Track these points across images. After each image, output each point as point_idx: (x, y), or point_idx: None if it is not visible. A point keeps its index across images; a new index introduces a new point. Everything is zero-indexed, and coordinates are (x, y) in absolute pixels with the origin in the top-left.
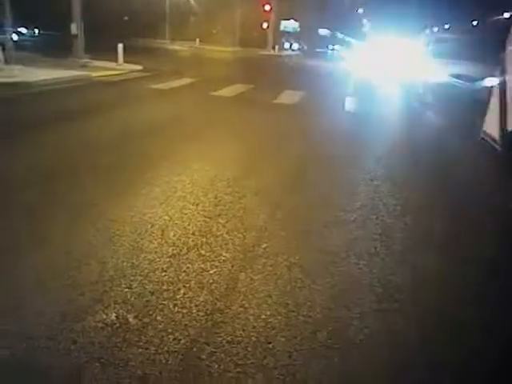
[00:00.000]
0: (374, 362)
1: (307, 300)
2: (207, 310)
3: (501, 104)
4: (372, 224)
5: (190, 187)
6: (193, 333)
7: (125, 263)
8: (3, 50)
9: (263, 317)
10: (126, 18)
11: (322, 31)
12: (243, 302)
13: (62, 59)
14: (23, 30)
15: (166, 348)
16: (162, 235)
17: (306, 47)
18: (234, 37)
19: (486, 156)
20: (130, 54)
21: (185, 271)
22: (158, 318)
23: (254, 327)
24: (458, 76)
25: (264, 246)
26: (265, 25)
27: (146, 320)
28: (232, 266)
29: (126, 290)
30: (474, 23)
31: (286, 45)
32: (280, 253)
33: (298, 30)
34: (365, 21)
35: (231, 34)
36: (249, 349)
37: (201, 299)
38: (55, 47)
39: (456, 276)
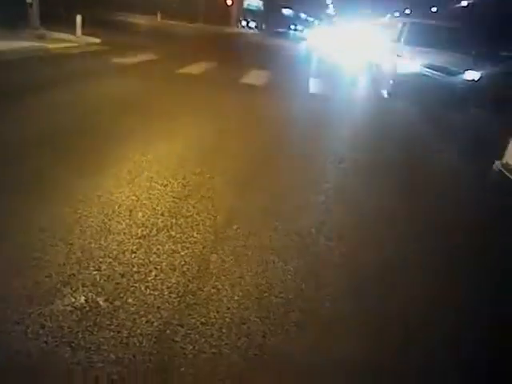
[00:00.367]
0: (346, 340)
1: (279, 281)
2: (179, 291)
3: None
4: (341, 206)
5: (157, 167)
6: (166, 315)
7: (93, 245)
8: None
9: (236, 298)
10: None
11: (286, 11)
12: (216, 284)
13: (15, 29)
14: None
15: (138, 331)
16: (130, 216)
17: (264, 26)
18: (198, 12)
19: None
20: (89, 26)
21: (155, 253)
22: (130, 300)
23: (228, 308)
24: (432, 66)
25: (235, 227)
26: (229, 1)
27: (117, 303)
28: (203, 248)
29: (95, 272)
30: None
31: (243, 23)
32: (251, 234)
33: (262, 8)
34: (329, 1)
35: (194, 9)
36: (223, 330)
37: (173, 281)
38: (7, 16)
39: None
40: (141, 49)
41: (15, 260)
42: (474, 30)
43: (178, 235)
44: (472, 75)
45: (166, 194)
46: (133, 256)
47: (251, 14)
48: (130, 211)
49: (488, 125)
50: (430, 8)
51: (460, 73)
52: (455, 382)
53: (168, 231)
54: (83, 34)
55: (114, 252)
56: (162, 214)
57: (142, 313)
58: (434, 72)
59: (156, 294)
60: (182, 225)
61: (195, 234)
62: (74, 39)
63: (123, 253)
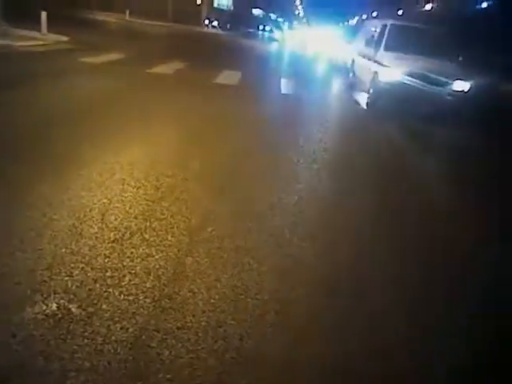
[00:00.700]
0: (322, 340)
1: (255, 282)
2: (155, 296)
3: None
4: (312, 206)
5: (130, 169)
6: (141, 320)
7: (64, 250)
8: None
9: (212, 301)
10: None
11: (256, 11)
12: (191, 287)
13: None
14: None
15: (113, 337)
16: (102, 219)
17: (228, 26)
18: (167, 11)
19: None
20: (56, 23)
21: (129, 257)
22: (104, 306)
23: (204, 312)
24: (415, 75)
25: (209, 229)
26: (199, 0)
27: (91, 309)
28: (178, 251)
29: (67, 278)
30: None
31: (206, 21)
32: (226, 236)
33: (232, 8)
34: (298, 3)
35: (163, 8)
36: (199, 334)
37: (147, 285)
38: None
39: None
40: (109, 47)
41: None
42: (462, 33)
43: (152, 238)
44: (461, 85)
45: (139, 196)
46: (106, 260)
47: (221, 13)
48: (102, 214)
49: (477, 147)
50: (397, 11)
51: (447, 83)
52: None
53: (142, 234)
54: (50, 31)
55: (87, 257)
56: (136, 217)
57: (117, 319)
58: (418, 81)
59: (131, 299)
60: (156, 228)
61: (170, 237)
62: (40, 37)
63: (96, 257)
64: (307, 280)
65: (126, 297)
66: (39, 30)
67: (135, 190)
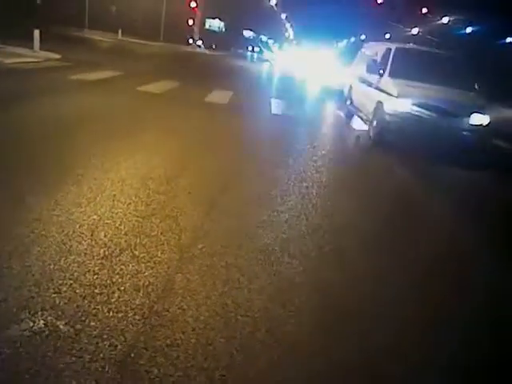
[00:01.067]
0: (311, 359)
1: (245, 300)
2: (144, 313)
3: None
4: (303, 223)
5: (120, 185)
6: (130, 338)
7: (52, 266)
8: None
9: (202, 318)
10: (38, 1)
11: (247, 32)
12: (181, 304)
13: None
14: None
15: (101, 355)
16: (91, 236)
17: (215, 46)
18: (159, 31)
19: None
20: (49, 41)
21: (118, 273)
22: (92, 323)
23: (194, 329)
24: (427, 106)
25: (200, 246)
26: (191, 21)
27: (79, 326)
28: (168, 268)
29: (55, 295)
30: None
31: (190, 40)
32: (216, 253)
33: (224, 30)
34: (288, 25)
35: (156, 27)
36: (189, 351)
37: (137, 302)
38: None
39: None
40: (101, 66)
41: None
42: (477, 58)
43: (141, 255)
44: (480, 119)
45: (130, 212)
46: (95, 277)
47: (213, 34)
48: (92, 231)
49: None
50: (384, 34)
51: (463, 115)
52: None
53: (131, 251)
54: (42, 49)
55: (75, 273)
56: (126, 234)
57: (105, 336)
58: (430, 113)
59: (119, 316)
60: (146, 244)
61: (159, 254)
62: (32, 54)
63: (84, 274)
64: (297, 297)
65: (114, 314)
66: (32, 48)
67: (125, 206)
